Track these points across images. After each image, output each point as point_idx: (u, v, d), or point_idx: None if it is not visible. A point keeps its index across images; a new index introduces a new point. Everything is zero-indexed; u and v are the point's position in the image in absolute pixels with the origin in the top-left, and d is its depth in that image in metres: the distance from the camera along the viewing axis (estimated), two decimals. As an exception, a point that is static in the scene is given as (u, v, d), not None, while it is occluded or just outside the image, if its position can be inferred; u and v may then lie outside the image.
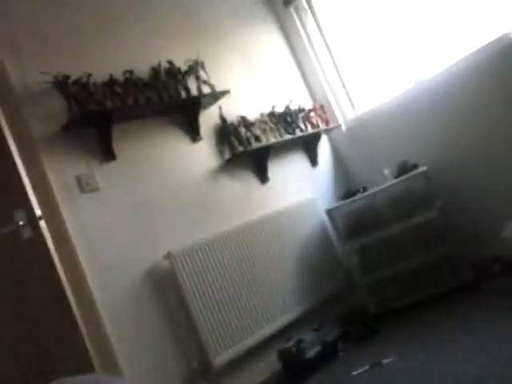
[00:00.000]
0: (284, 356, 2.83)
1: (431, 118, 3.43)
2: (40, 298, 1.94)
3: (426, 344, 2.54)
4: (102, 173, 2.73)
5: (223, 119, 3.34)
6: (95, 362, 1.92)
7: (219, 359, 2.70)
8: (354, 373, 2.50)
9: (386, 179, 3.45)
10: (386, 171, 3.49)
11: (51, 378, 0.97)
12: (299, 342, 2.81)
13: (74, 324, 1.91)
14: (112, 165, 2.78)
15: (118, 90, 2.82)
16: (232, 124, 3.36)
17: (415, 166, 3.39)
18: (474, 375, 2.00)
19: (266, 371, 2.93)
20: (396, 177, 3.41)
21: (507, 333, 2.27)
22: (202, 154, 3.22)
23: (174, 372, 2.63)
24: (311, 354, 2.77)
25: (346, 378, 2.50)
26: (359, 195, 3.50)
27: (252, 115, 3.52)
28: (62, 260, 2.06)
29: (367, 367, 2.51)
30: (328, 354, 2.84)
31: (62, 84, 2.59)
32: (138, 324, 2.57)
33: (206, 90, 3.22)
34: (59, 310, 1.91)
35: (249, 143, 3.36)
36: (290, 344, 2.83)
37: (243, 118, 3.41)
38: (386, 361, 2.50)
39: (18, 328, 1.92)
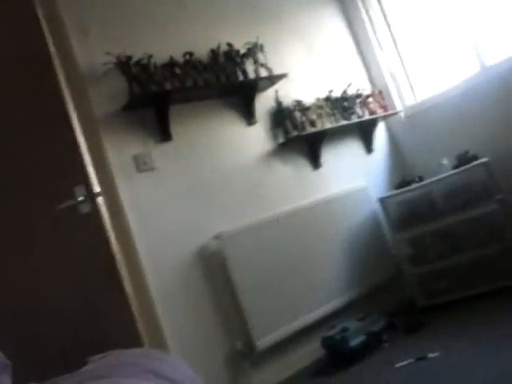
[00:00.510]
0: (327, 343, 2.84)
1: (496, 107, 3.28)
2: (94, 272, 2.04)
3: (474, 341, 2.48)
4: (158, 153, 2.80)
5: (279, 103, 3.33)
6: (143, 336, 1.99)
7: (263, 342, 2.75)
8: (398, 365, 2.48)
9: (443, 169, 3.35)
10: (445, 161, 3.38)
11: (104, 349, 1.03)
12: (343, 330, 2.81)
13: (125, 299, 1.99)
14: (168, 145, 2.85)
15: (178, 71, 2.88)
16: (287, 108, 3.35)
17: (475, 157, 3.26)
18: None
19: (308, 357, 2.95)
20: (454, 167, 3.30)
21: None
22: (257, 138, 3.23)
23: (218, 351, 2.70)
24: (355, 342, 2.77)
25: (389, 370, 2.48)
26: (414, 185, 3.42)
27: (308, 99, 3.49)
28: (116, 235, 2.14)
29: (412, 360, 2.47)
30: (372, 344, 2.83)
31: (124, 65, 2.67)
32: (185, 302, 2.65)
33: (263, 73, 3.22)
34: (112, 284, 2.00)
35: (303, 128, 3.35)
36: (334, 332, 2.83)
37: (299, 102, 3.39)
38: (431, 355, 2.45)
39: (75, 301, 2.03)
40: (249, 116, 3.20)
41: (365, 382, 2.45)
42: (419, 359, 2.46)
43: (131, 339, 1.92)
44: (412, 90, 3.95)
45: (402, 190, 3.44)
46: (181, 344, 2.54)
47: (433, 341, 2.68)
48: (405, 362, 2.48)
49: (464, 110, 3.48)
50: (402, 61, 3.95)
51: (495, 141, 3.33)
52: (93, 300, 2.00)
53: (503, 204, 3.12)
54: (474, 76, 3.43)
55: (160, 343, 2.41)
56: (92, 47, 2.68)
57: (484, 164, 3.18)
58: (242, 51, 3.17)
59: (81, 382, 0.44)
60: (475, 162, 3.21)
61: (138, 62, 2.71)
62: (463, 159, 3.30)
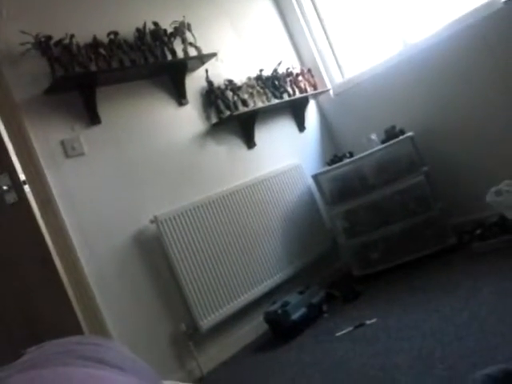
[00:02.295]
0: (270, 318, 2.89)
1: (420, 83, 3.42)
2: (27, 262, 1.95)
3: (408, 305, 2.61)
4: (87, 137, 2.69)
5: (210, 83, 3.29)
6: (83, 324, 1.94)
7: (206, 322, 2.75)
8: (339, 333, 2.57)
9: (372, 144, 3.46)
10: (373, 136, 3.49)
11: (41, 341, 0.98)
12: (284, 304, 2.87)
13: (61, 287, 1.92)
14: (97, 129, 2.74)
15: (103, 51, 2.76)
16: (219, 88, 3.32)
17: (402, 132, 3.39)
18: (453, 334, 2.07)
19: (252, 333, 3.00)
20: (383, 142, 3.42)
21: (486, 293, 2.34)
22: (189, 118, 3.19)
23: (162, 334, 2.68)
24: (296, 315, 2.83)
25: (330, 339, 2.57)
26: (345, 160, 3.51)
27: (239, 79, 3.48)
28: (47, 224, 2.05)
29: (351, 328, 2.57)
30: (313, 315, 2.91)
31: (43, 45, 2.53)
32: (125, 288, 2.60)
33: (192, 52, 3.16)
34: (46, 273, 1.92)
35: (236, 107, 3.33)
36: (276, 306, 2.89)
37: (230, 82, 3.37)
38: (369, 322, 2.56)
39: (5, 293, 1.94)
40: (180, 96, 3.14)
41: (307, 353, 2.52)
42: (358, 326, 2.56)
43: (70, 328, 1.87)
44: (340, 69, 4.03)
45: (334, 166, 3.53)
46: (124, 330, 2.49)
47: (369, 308, 2.80)
48: (344, 331, 2.57)
49: (389, 87, 3.59)
50: (329, 39, 4.01)
51: (419, 115, 3.48)
52: (26, 289, 1.92)
53: (428, 176, 3.27)
54: (397, 54, 3.55)
55: (101, 330, 2.36)
56: (7, 26, 2.51)
57: (410, 138, 3.31)
58: (169, 30, 3.09)
59: (10, 376, 0.41)
60: (402, 137, 3.34)
61: (58, 42, 2.58)
62: (391, 134, 3.42)
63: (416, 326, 2.31)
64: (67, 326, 1.90)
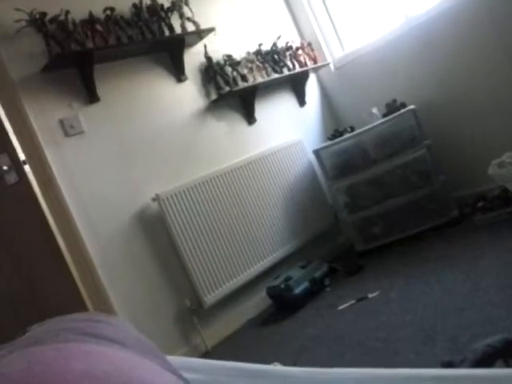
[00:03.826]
0: (273, 293, 2.92)
1: (421, 56, 3.37)
2: (29, 242, 1.96)
3: (410, 278, 2.63)
4: (86, 115, 2.68)
5: (208, 58, 3.25)
6: (88, 302, 1.96)
7: (210, 297, 2.78)
8: (341, 307, 2.59)
9: (374, 118, 3.43)
10: (374, 110, 3.46)
11: (46, 318, 0.99)
12: (287, 279, 2.89)
13: (65, 267, 1.93)
14: (96, 107, 2.72)
15: (99, 28, 2.72)
16: (218, 63, 3.28)
17: (404, 105, 3.36)
18: (455, 306, 2.08)
19: (255, 308, 3.03)
20: (384, 116, 3.39)
21: (488, 265, 2.35)
22: (188, 95, 3.16)
23: (166, 311, 2.71)
24: (299, 290, 2.86)
25: (333, 312, 2.59)
26: (347, 135, 3.49)
27: (238, 54, 3.43)
28: (48, 204, 2.05)
29: (353, 301, 2.59)
30: (315, 289, 2.94)
31: (38, 22, 2.49)
32: (129, 266, 2.62)
33: (190, 27, 3.12)
34: (49, 253, 1.93)
35: (235, 83, 3.30)
36: (278, 281, 2.91)
37: (229, 57, 3.33)
38: (371, 295, 2.58)
39: (10, 273, 1.95)
40: (178, 73, 3.11)
41: (310, 326, 2.55)
42: (360, 300, 2.58)
43: (76, 306, 1.89)
44: (340, 42, 3.97)
45: (335, 140, 3.51)
46: (128, 307, 2.52)
47: (372, 282, 2.82)
48: (347, 304, 2.60)
49: (390, 60, 3.55)
50: (329, 12, 3.94)
51: (421, 88, 3.44)
52: (30, 269, 1.93)
53: (430, 149, 3.25)
54: (398, 27, 3.49)
55: (106, 308, 2.39)
56: (1, 3, 2.47)
57: (411, 111, 3.29)
58: (167, 5, 3.04)
59: (11, 352, 0.41)
60: (403, 110, 3.31)
61: (54, 19, 2.54)
62: (392, 107, 3.39)
63: (418, 299, 2.33)
64: (72, 304, 1.92)
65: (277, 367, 0.87)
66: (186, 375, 0.74)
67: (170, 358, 0.84)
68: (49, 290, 1.92)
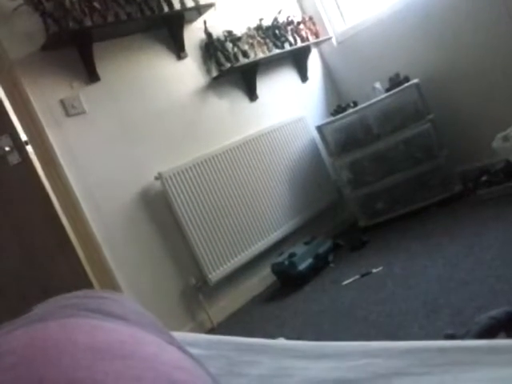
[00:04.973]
0: (277, 269, 2.94)
1: (424, 28, 3.32)
2: (33, 222, 1.97)
3: (414, 253, 2.64)
4: (87, 95, 2.66)
5: (209, 34, 3.21)
6: (94, 281, 1.98)
7: (215, 274, 2.80)
8: (345, 282, 2.61)
9: (377, 93, 3.40)
10: (377, 85, 3.43)
11: (52, 297, 1.00)
12: (291, 255, 2.90)
13: (70, 246, 1.95)
14: (97, 86, 2.70)
15: (97, 5, 2.68)
16: (218, 39, 3.24)
17: (407, 79, 3.32)
18: (459, 279, 2.09)
19: (260, 284, 3.06)
20: (387, 90, 3.36)
21: (491, 239, 2.35)
22: (189, 72, 3.13)
23: (172, 288, 2.73)
24: (303, 266, 2.87)
25: (337, 287, 2.61)
26: (349, 110, 3.46)
27: (239, 29, 3.38)
28: (52, 184, 2.06)
29: (358, 276, 2.61)
30: (319, 265, 2.95)
31: (35, 0, 2.45)
32: (133, 244, 2.63)
33: (189, 3, 3.07)
34: (53, 232, 1.94)
35: (236, 59, 3.26)
36: (283, 258, 2.93)
37: (229, 33, 3.29)
38: (375, 270, 2.60)
39: (16, 253, 1.96)
40: (178, 50, 3.07)
41: (315, 302, 2.57)
42: (364, 275, 2.60)
43: (81, 285, 1.90)
44: (342, 16, 3.91)
45: (338, 116, 3.48)
46: (134, 286, 2.55)
47: (375, 257, 2.83)
48: (351, 279, 2.61)
49: (393, 33, 3.49)
50: (330, -16, 3.87)
51: (424, 62, 3.39)
52: (36, 250, 1.95)
53: (434, 123, 3.23)
54: (400, -1, 3.43)
55: (112, 287, 2.41)
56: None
57: (415, 85, 3.25)
58: (165, -20, 2.99)
59: (15, 329, 0.42)
60: (406, 84, 3.28)
61: (51, -3, 2.50)
62: (395, 82, 3.36)
63: (422, 273, 2.34)
64: (78, 283, 1.94)
65: (280, 341, 0.88)
66: (192, 350, 0.74)
67: (175, 334, 0.85)
68: (54, 270, 1.93)
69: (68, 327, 0.41)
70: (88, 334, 0.39)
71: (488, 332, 1.28)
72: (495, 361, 0.62)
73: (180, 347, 0.60)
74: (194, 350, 0.83)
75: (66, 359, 0.34)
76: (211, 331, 2.76)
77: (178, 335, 0.88)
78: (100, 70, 2.70)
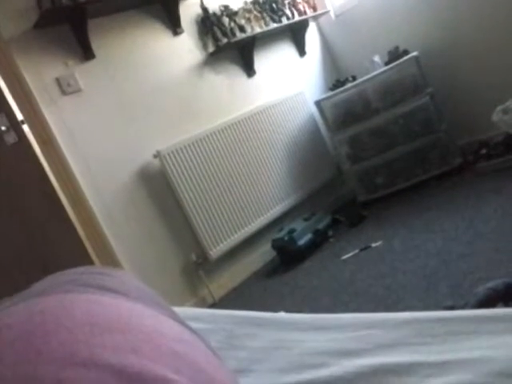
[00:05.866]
0: (277, 245, 2.95)
1: (423, 1, 3.26)
2: (33, 201, 1.96)
3: (413, 227, 2.64)
4: (83, 73, 2.63)
5: (205, 9, 3.16)
6: (96, 260, 1.99)
7: (215, 251, 2.81)
8: (345, 257, 2.63)
9: (376, 67, 3.36)
10: (376, 58, 3.39)
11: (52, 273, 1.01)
12: (291, 231, 2.91)
13: (70, 224, 1.95)
14: (92, 63, 2.67)
15: (90, -20, 2.63)
16: (214, 14, 3.18)
17: (406, 52, 3.28)
18: (458, 252, 2.10)
19: (261, 260, 3.08)
20: (386, 64, 3.32)
21: (490, 212, 2.36)
22: (185, 48, 3.09)
23: (173, 265, 2.75)
24: (303, 241, 2.89)
25: (336, 262, 2.63)
26: (348, 85, 3.43)
27: (235, 4, 3.32)
28: (50, 163, 2.05)
29: (357, 251, 2.62)
30: (319, 241, 2.96)
31: (27, -24, 2.41)
32: (133, 222, 2.64)
33: (183, -24, 3.01)
34: (53, 212, 1.94)
35: (233, 34, 3.22)
36: (282, 234, 2.94)
37: (226, 7, 3.23)
38: (374, 244, 2.61)
39: (16, 233, 1.97)
40: (174, 25, 3.03)
41: (315, 276, 2.58)
42: (363, 249, 2.61)
43: (82, 264, 1.91)
44: (340, -13, 3.84)
45: (337, 91, 3.45)
46: (135, 264, 2.56)
47: (375, 232, 2.84)
48: (350, 254, 2.63)
49: (392, 5, 3.44)
50: (328, -45, 3.79)
51: (423, 35, 3.35)
52: (36, 229, 1.95)
53: (433, 97, 3.20)
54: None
55: (113, 264, 2.42)
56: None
57: (414, 58, 3.21)
58: (159, -47, 2.93)
59: (13, 304, 0.42)
60: (405, 57, 3.24)
61: (43, -28, 2.45)
62: (394, 55, 3.32)
63: (421, 247, 2.35)
64: (79, 261, 1.94)
65: (280, 314, 0.88)
66: (192, 324, 0.75)
67: (177, 309, 0.85)
68: (55, 248, 1.94)
69: (66, 302, 0.40)
70: (86, 309, 0.39)
71: (486, 303, 1.29)
72: (494, 329, 0.62)
73: (180, 321, 0.60)
74: (194, 324, 0.84)
75: (63, 333, 0.34)
76: (213, 306, 2.79)
77: (179, 310, 0.89)
78: (95, 47, 2.66)
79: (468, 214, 2.45)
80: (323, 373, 0.68)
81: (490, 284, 1.35)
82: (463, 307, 1.31)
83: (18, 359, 0.32)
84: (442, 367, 0.60)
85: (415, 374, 0.61)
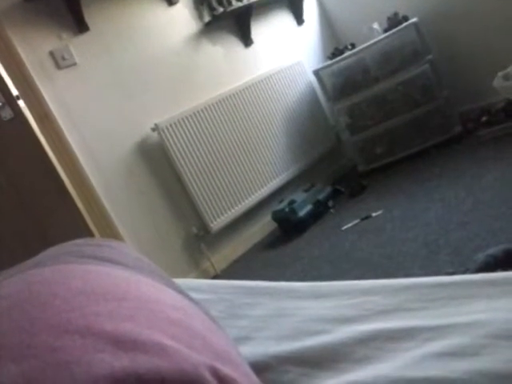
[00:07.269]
0: (277, 216, 2.96)
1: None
2: (32, 178, 1.96)
3: (413, 196, 2.64)
4: (77, 46, 2.59)
5: (199, -23, 3.09)
6: (96, 233, 1.99)
7: (216, 223, 2.82)
8: (345, 227, 2.63)
9: (375, 34, 3.30)
10: (375, 25, 3.33)
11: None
12: (291, 202, 2.91)
13: (70, 199, 1.95)
14: (86, 36, 2.62)
15: (81, -51, 2.56)
16: (210, -18, 3.11)
17: (406, 18, 3.22)
18: (458, 221, 2.11)
19: (261, 232, 3.09)
20: (385, 31, 3.26)
21: (491, 179, 2.35)
22: (180, 19, 3.03)
23: (174, 238, 2.76)
24: (303, 212, 2.89)
25: (337, 232, 2.63)
26: (347, 53, 3.38)
27: (230, -29, 3.25)
28: (47, 139, 2.03)
29: (357, 221, 2.63)
30: (319, 211, 2.97)
31: None
32: (134, 197, 2.63)
33: None
34: (53, 187, 1.94)
35: (229, 3, 3.15)
36: (283, 205, 2.94)
37: (221, -25, 3.16)
38: (375, 214, 2.61)
39: (16, 209, 1.97)
40: (169, -5, 2.97)
41: (316, 247, 2.60)
42: (364, 219, 2.62)
43: (82, 237, 1.92)
44: (337, -48, 3.75)
45: (336, 59, 3.40)
46: (137, 237, 2.57)
47: (375, 201, 2.84)
48: (351, 224, 2.63)
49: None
50: None
51: (422, 0, 3.28)
52: (35, 204, 1.95)
53: (433, 64, 3.16)
54: None
55: (114, 238, 2.43)
56: None
57: (413, 24, 3.16)
58: None
59: (12, 275, 0.42)
60: (405, 24, 3.18)
61: None
62: (393, 21, 3.26)
63: (421, 216, 2.35)
64: (80, 234, 1.95)
65: (281, 283, 0.89)
66: (194, 295, 0.75)
67: (178, 281, 0.85)
68: (55, 221, 1.94)
69: (62, 272, 0.40)
70: (82, 279, 0.39)
71: (486, 269, 1.30)
72: (492, 293, 0.63)
73: (179, 290, 0.60)
74: (195, 295, 0.84)
75: (58, 302, 0.34)
76: (215, 278, 2.81)
77: (181, 281, 0.89)
78: (89, 20, 2.61)
79: (468, 182, 2.45)
80: (323, 339, 0.69)
81: (490, 251, 1.35)
82: (463, 274, 1.32)
83: (14, 328, 0.32)
84: (440, 331, 0.60)
85: (414, 339, 0.61)
